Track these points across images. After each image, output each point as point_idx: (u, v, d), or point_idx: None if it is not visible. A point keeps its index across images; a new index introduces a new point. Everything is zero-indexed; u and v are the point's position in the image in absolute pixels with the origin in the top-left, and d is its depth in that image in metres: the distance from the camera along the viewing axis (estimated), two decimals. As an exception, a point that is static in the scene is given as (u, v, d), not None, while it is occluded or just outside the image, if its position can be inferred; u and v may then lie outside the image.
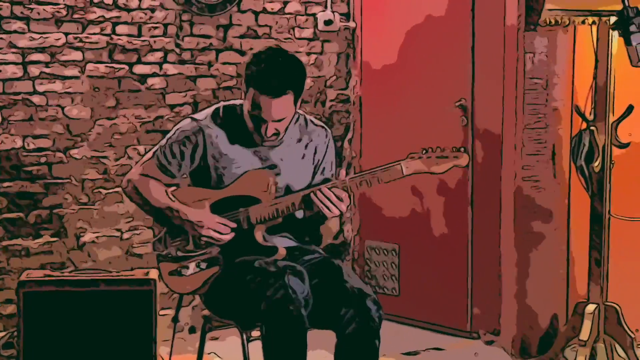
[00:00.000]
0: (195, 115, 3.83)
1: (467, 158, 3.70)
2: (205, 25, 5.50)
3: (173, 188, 3.85)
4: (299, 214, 3.81)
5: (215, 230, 3.72)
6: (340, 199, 3.63)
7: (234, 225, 3.73)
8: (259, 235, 3.76)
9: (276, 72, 3.60)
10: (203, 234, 3.73)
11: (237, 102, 3.84)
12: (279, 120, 3.65)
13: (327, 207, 3.63)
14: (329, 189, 3.64)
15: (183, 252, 3.78)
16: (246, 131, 3.75)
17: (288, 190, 3.78)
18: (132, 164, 5.04)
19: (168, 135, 3.84)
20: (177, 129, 3.81)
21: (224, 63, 5.56)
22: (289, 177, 3.79)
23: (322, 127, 3.93)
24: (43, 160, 5.15)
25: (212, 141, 3.75)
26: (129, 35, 5.30)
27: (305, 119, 3.90)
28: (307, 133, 3.87)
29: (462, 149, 3.70)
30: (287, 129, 3.75)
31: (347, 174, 3.76)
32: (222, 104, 3.85)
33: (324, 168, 3.90)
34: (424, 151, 3.68)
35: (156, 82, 5.39)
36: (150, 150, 3.92)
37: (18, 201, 5.11)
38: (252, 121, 3.67)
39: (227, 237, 3.73)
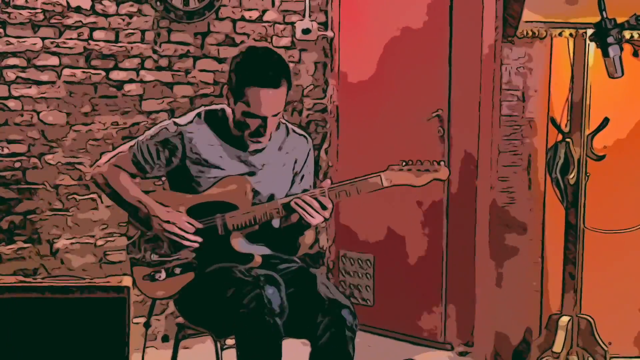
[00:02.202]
0: (177, 120, 3.81)
1: (447, 171, 3.69)
2: (183, 32, 5.49)
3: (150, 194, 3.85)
4: (275, 223, 3.80)
5: (179, 228, 3.69)
6: (324, 207, 3.63)
7: (200, 225, 3.72)
8: (235, 242, 3.74)
9: (270, 63, 3.62)
10: (166, 228, 3.69)
11: (219, 106, 3.83)
12: (276, 115, 3.65)
13: (309, 214, 3.62)
14: (311, 196, 3.63)
15: (157, 256, 3.76)
16: (229, 135, 3.74)
17: (271, 198, 3.77)
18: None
19: (148, 133, 3.81)
20: (158, 129, 3.79)
21: (202, 70, 5.56)
22: (269, 184, 3.78)
23: (304, 136, 3.93)
24: (17, 165, 5.12)
25: (193, 145, 3.74)
26: (106, 41, 5.29)
27: (287, 127, 3.89)
28: (289, 141, 3.86)
29: (442, 162, 3.69)
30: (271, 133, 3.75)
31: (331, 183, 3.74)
32: (204, 108, 3.84)
33: (302, 177, 3.88)
34: (404, 163, 3.66)
35: (133, 89, 5.38)
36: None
37: (-9, 206, 5.10)
38: (247, 121, 3.63)
39: (191, 237, 3.71)
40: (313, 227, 3.71)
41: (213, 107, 3.86)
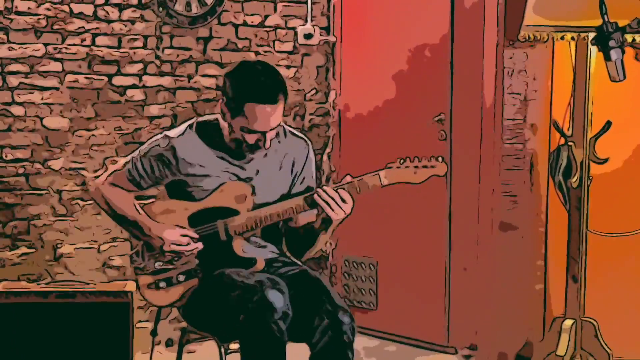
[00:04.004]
0: (169, 133, 3.81)
1: (445, 167, 3.69)
2: (185, 38, 5.49)
3: (151, 200, 3.86)
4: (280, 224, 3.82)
5: (176, 244, 3.72)
6: (344, 201, 3.63)
7: (195, 235, 3.73)
8: (237, 246, 3.75)
9: (267, 79, 3.60)
10: (165, 249, 3.73)
11: (211, 117, 3.83)
12: (274, 128, 3.65)
13: (332, 208, 3.62)
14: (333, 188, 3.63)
15: (161, 264, 3.76)
16: (222, 145, 3.74)
17: (274, 201, 3.75)
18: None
19: (141, 149, 3.83)
20: (150, 145, 3.80)
21: (204, 75, 5.56)
22: (267, 188, 3.77)
23: (301, 137, 3.92)
24: (21, 171, 5.13)
25: (185, 157, 3.73)
26: (109, 47, 5.30)
27: (285, 130, 3.88)
28: (286, 144, 3.85)
29: (440, 158, 3.69)
30: None
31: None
32: (196, 119, 3.84)
33: (303, 178, 3.87)
34: (402, 161, 3.67)
35: (135, 94, 5.38)
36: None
37: (-5, 212, 5.10)
38: (245, 136, 3.63)
39: (190, 247, 3.73)
40: (335, 223, 3.70)
41: (206, 117, 3.86)
